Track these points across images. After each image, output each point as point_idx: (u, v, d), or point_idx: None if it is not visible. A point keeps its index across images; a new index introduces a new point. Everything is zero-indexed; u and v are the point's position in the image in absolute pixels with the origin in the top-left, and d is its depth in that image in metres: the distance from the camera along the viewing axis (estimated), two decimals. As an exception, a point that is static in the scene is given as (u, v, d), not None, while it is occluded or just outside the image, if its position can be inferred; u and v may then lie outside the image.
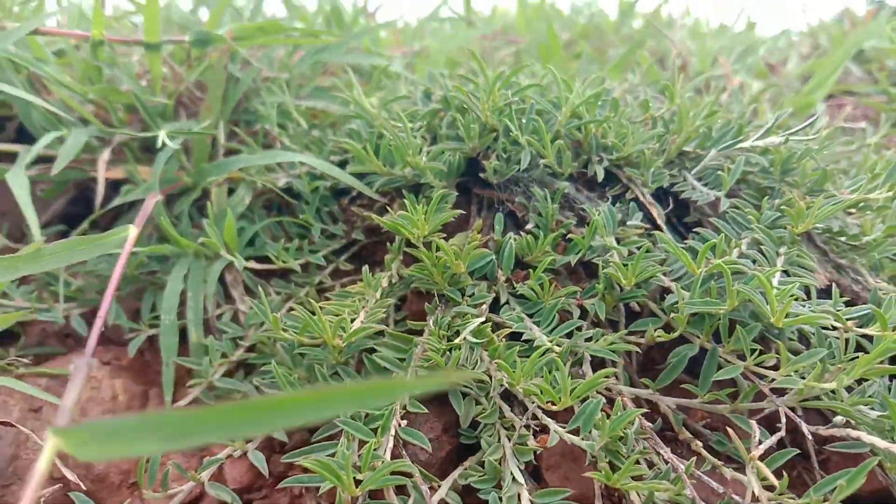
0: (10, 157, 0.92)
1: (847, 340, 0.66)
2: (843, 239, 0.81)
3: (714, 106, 0.88)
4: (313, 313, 0.66)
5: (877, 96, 1.59)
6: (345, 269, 0.90)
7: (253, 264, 0.84)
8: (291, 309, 0.85)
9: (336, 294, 0.80)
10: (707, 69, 1.31)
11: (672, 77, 0.94)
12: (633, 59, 1.41)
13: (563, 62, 1.42)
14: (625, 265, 0.70)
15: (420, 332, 0.73)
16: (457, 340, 0.68)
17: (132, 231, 0.66)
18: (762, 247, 0.73)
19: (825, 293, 0.73)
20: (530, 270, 0.75)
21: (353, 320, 0.70)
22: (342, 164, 0.92)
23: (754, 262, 0.71)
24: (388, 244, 0.83)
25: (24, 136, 1.02)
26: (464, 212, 0.82)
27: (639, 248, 0.72)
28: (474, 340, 0.68)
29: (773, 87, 1.45)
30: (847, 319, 0.65)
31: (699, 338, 0.70)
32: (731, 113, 1.17)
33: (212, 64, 0.93)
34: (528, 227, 0.80)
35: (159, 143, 0.83)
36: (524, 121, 0.82)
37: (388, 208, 0.87)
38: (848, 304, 0.71)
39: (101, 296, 0.88)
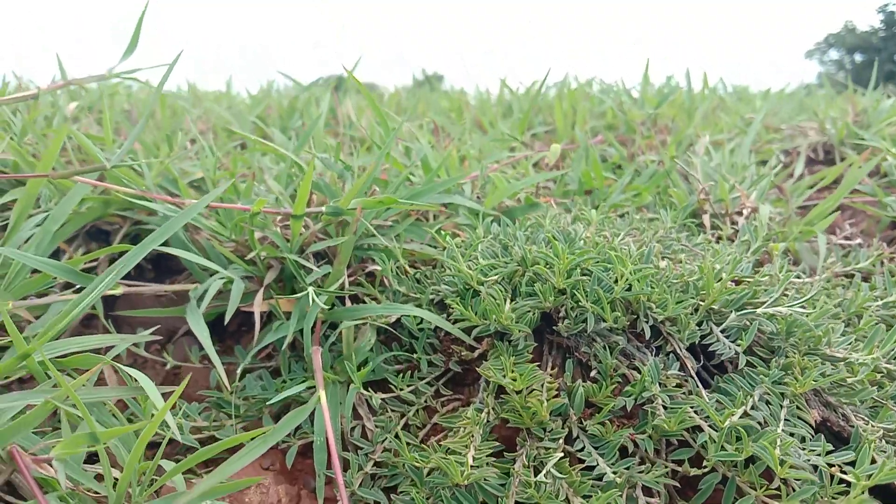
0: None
1: (832, 476, 0.91)
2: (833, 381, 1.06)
3: (734, 269, 1.14)
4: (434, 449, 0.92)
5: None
6: (445, 393, 1.16)
7: (380, 395, 1.10)
8: (407, 425, 1.11)
9: (444, 418, 1.06)
10: (726, 196, 1.56)
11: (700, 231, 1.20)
12: (664, 182, 1.67)
13: (602, 184, 1.67)
14: (669, 412, 0.96)
15: (513, 459, 0.99)
16: (543, 473, 0.94)
17: (323, 397, 0.92)
18: (770, 405, 0.99)
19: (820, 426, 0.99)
20: (595, 411, 1.01)
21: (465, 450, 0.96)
22: (442, 303, 1.18)
23: (764, 422, 0.97)
24: (477, 371, 1.09)
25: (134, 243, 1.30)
26: (539, 363, 1.08)
27: (676, 388, 0.99)
28: (558, 474, 0.94)
29: (780, 206, 1.71)
30: (831, 465, 0.91)
31: (723, 469, 0.96)
32: (746, 247, 1.43)
33: (342, 227, 1.20)
34: (592, 374, 1.06)
35: (311, 301, 1.09)
36: (588, 290, 1.08)
37: (478, 346, 1.13)
38: (837, 437, 0.97)
39: (260, 412, 1.14)
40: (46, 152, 1.10)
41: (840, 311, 1.26)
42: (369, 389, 1.11)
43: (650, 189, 1.64)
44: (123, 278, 1.37)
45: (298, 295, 1.10)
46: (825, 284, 1.34)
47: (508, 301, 1.11)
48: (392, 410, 1.13)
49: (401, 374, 1.14)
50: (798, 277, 1.37)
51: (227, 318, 1.11)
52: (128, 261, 1.04)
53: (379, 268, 1.23)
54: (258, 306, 1.16)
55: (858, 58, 42.92)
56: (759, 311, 1.09)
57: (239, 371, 1.14)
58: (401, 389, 1.12)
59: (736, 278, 1.16)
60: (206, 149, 1.44)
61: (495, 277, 1.13)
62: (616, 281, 1.09)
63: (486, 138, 2.12)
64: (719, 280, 1.12)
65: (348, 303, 1.20)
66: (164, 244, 1.10)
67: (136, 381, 0.87)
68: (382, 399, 1.11)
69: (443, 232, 1.33)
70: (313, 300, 1.08)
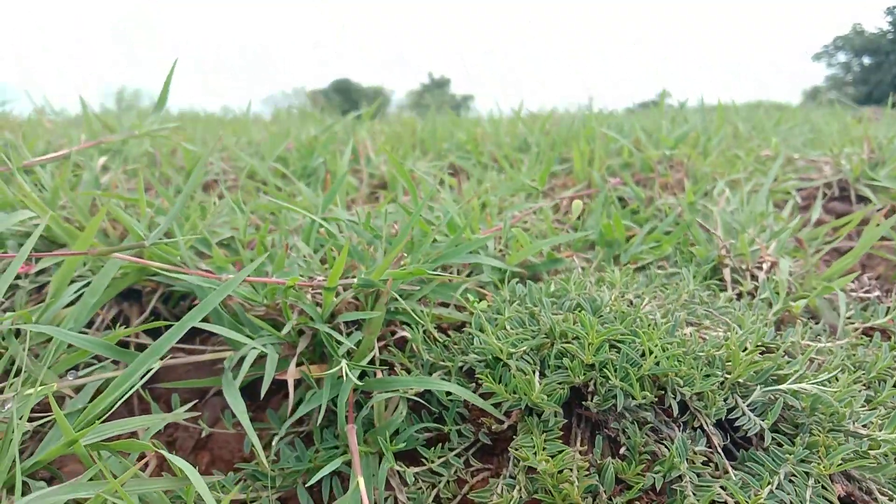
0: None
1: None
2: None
3: (758, 340, 1.16)
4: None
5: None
6: (475, 464, 1.18)
7: (412, 469, 1.12)
8: (438, 497, 1.14)
9: (475, 493, 1.09)
10: (746, 251, 1.58)
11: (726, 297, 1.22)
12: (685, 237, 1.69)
13: (622, 235, 1.69)
14: (697, 490, 0.99)
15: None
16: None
17: (361, 483, 0.95)
18: (795, 485, 1.01)
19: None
20: (625, 487, 1.03)
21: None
22: (471, 371, 1.21)
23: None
24: (507, 441, 1.12)
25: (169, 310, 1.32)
26: (567, 436, 1.10)
27: (704, 465, 1.01)
28: (591, 557, 0.96)
29: (800, 255, 1.72)
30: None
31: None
32: (767, 306, 1.45)
33: (372, 296, 1.22)
34: (622, 450, 1.08)
35: (344, 376, 1.11)
36: (617, 367, 1.10)
37: (508, 420, 1.16)
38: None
39: (294, 482, 1.17)
40: (84, 234, 1.13)
41: (861, 373, 1.28)
42: (401, 461, 1.14)
43: (671, 241, 1.66)
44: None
45: (332, 370, 1.12)
46: (846, 346, 1.36)
47: (538, 375, 1.13)
48: (423, 481, 1.16)
49: (431, 446, 1.16)
50: (819, 337, 1.39)
51: (263, 392, 1.14)
52: (167, 341, 1.06)
53: (408, 335, 1.26)
54: (292, 376, 1.19)
55: (867, 60, 42.83)
56: (783, 386, 1.11)
57: (274, 443, 1.17)
58: (432, 462, 1.14)
59: (761, 346, 1.18)
60: (236, 209, 1.47)
61: (524, 349, 1.16)
62: (643, 355, 1.11)
63: (504, 180, 2.15)
64: (745, 350, 1.15)
65: (379, 372, 1.23)
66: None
67: (181, 469, 0.90)
68: (414, 473, 1.13)
69: (469, 296, 1.35)
70: (346, 375, 1.11)
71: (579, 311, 1.22)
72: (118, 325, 1.44)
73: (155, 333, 1.48)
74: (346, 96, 52.73)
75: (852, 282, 1.69)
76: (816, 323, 1.52)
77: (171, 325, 1.06)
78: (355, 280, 1.21)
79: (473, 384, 1.20)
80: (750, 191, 2.07)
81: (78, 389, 1.16)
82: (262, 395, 1.16)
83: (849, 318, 1.53)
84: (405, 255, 1.34)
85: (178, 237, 1.28)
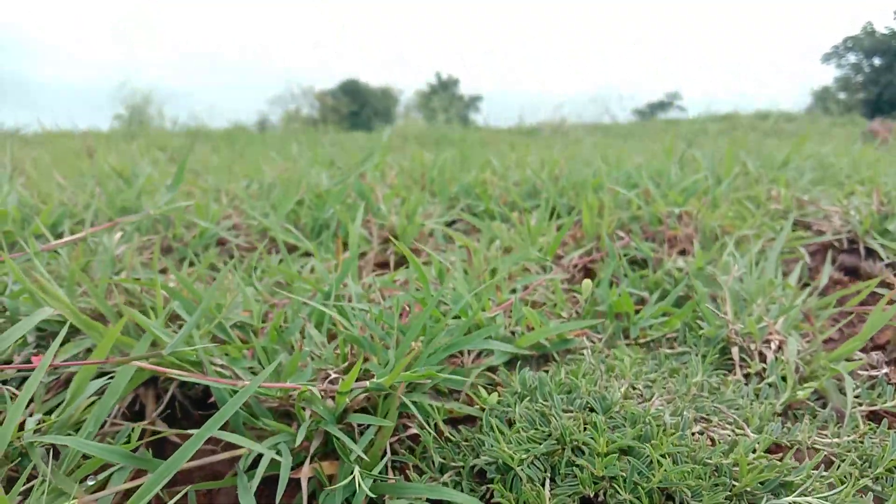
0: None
1: None
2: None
3: (765, 447, 1.17)
4: None
5: None
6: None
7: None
8: None
9: None
10: (754, 330, 1.59)
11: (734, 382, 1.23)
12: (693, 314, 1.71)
13: (631, 308, 1.71)
14: None
15: None
16: None
17: None
18: None
19: None
20: None
21: None
22: (482, 473, 1.23)
23: None
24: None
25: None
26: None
27: None
28: None
29: (808, 328, 1.73)
30: None
31: None
32: (774, 393, 1.47)
33: (384, 397, 1.24)
34: (631, 564, 1.10)
35: (357, 486, 1.13)
36: (626, 480, 1.12)
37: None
38: None
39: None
40: (103, 342, 1.15)
41: (869, 470, 1.30)
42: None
43: (680, 316, 1.67)
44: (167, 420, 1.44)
45: (343, 482, 1.14)
46: (854, 440, 1.37)
47: (548, 484, 1.15)
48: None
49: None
50: (826, 424, 1.41)
51: (278, 499, 1.16)
52: (185, 452, 1.09)
53: (418, 433, 1.28)
54: (305, 476, 1.21)
55: (877, 61, 42.62)
56: (789, 499, 1.12)
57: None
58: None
59: (768, 439, 1.20)
60: (250, 298, 1.49)
61: (534, 455, 1.17)
62: (652, 463, 1.13)
63: (513, 236, 2.16)
64: (753, 451, 1.16)
65: (391, 473, 1.25)
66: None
67: None
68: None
69: (479, 387, 1.37)
70: (359, 486, 1.13)
71: (590, 413, 1.24)
72: (135, 408, 1.47)
73: (170, 419, 1.51)
74: (354, 97, 52.83)
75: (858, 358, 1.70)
76: (824, 406, 1.53)
77: (187, 433, 1.08)
78: (368, 384, 1.23)
79: (485, 487, 1.22)
80: (759, 251, 2.08)
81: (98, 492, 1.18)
82: (278, 501, 1.18)
83: (856, 396, 1.54)
84: (417, 344, 1.36)
85: (197, 344, 1.30)
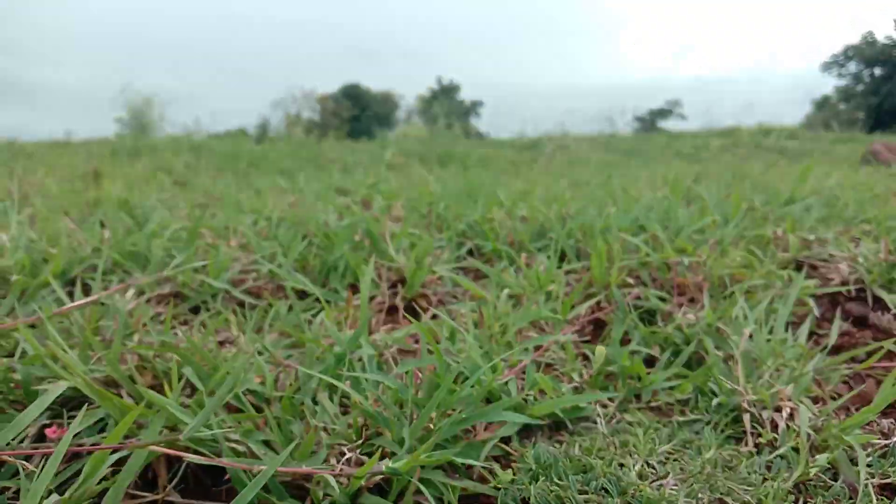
0: None
1: None
2: None
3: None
4: None
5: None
6: None
7: None
8: None
9: None
10: (766, 397, 1.59)
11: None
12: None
13: (643, 371, 1.71)
14: None
15: None
16: None
17: None
18: None
19: None
20: None
21: None
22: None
23: None
24: None
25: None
26: None
27: None
28: None
29: (819, 392, 1.73)
30: None
31: None
32: (786, 465, 1.47)
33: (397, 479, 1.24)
34: None
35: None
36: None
37: None
38: None
39: None
40: (118, 427, 1.15)
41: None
42: None
43: (692, 380, 1.68)
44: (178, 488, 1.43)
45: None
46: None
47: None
48: None
49: None
50: (838, 501, 1.41)
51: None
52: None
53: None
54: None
55: (878, 71, 42.73)
56: None
57: None
58: None
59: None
60: (263, 365, 1.50)
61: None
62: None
63: (523, 282, 2.17)
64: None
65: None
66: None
67: None
68: None
69: (493, 464, 1.37)
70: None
71: (605, 495, 1.24)
72: (147, 476, 1.47)
73: (183, 488, 1.50)
74: (355, 101, 52.94)
75: (870, 424, 1.70)
76: (835, 477, 1.53)
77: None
78: (384, 467, 1.23)
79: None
80: (768, 307, 2.08)
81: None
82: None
83: (868, 465, 1.54)
84: (431, 422, 1.37)
85: (214, 429, 1.30)
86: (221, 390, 1.23)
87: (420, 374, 1.56)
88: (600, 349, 1.60)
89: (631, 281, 2.32)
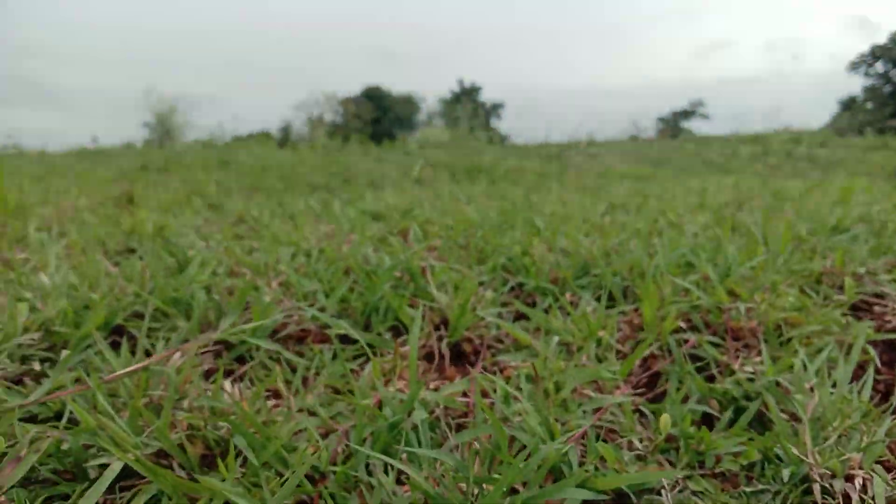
0: None
1: None
2: None
3: None
4: None
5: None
6: None
7: None
8: None
9: None
10: (837, 468, 1.52)
11: None
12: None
13: (708, 437, 1.64)
14: None
15: None
16: None
17: None
18: None
19: None
20: None
21: None
22: None
23: None
24: None
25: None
26: None
27: None
28: None
29: (890, 461, 1.66)
30: None
31: None
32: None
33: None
34: None
35: None
36: None
37: None
38: None
39: None
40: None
41: None
42: None
43: (757, 446, 1.61)
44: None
45: None
46: None
47: None
48: None
49: None
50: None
51: None
52: None
53: None
54: None
55: (903, 72, 42.14)
56: None
57: None
58: None
59: None
60: (314, 432, 1.46)
61: None
62: None
63: (573, 339, 2.11)
64: None
65: None
66: None
67: None
68: None
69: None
70: None
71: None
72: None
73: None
74: (377, 103, 53.11)
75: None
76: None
77: None
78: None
79: None
80: (828, 356, 2.01)
81: None
82: None
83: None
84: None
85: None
86: (284, 490, 1.18)
87: (477, 444, 1.51)
88: (665, 419, 1.54)
89: (682, 325, 2.26)
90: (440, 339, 2.29)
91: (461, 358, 2.27)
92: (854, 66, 45.93)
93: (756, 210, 3.77)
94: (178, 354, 1.64)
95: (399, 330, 2.34)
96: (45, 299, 2.09)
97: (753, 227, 3.09)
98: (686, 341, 2.15)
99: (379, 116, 51.59)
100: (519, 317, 2.45)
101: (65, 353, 1.64)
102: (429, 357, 2.22)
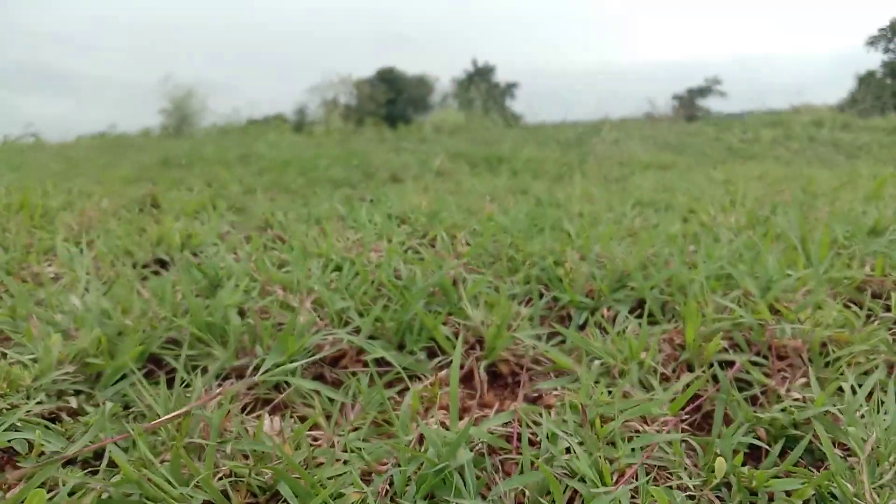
0: None
1: None
2: None
3: None
4: None
5: None
6: None
7: None
8: None
9: None
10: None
11: None
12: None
13: (762, 477, 1.60)
14: None
15: None
16: None
17: None
18: None
19: None
20: None
21: None
22: None
23: None
24: None
25: None
26: None
27: None
28: None
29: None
30: None
31: None
32: None
33: None
34: None
35: None
36: None
37: None
38: None
39: None
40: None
41: None
42: None
43: (812, 484, 1.57)
44: None
45: None
46: None
47: None
48: None
49: None
50: None
51: None
52: None
53: None
54: None
55: (926, 47, 41.42)
56: None
57: None
58: None
59: None
60: (358, 482, 1.43)
61: None
62: None
63: (614, 360, 2.07)
64: None
65: None
66: None
67: None
68: None
69: None
70: None
71: None
72: None
73: None
74: (391, 85, 52.82)
75: None
76: None
77: None
78: None
79: None
80: (878, 380, 1.95)
81: None
82: None
83: None
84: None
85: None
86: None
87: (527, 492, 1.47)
88: (721, 463, 1.50)
89: (724, 344, 2.21)
90: (476, 359, 2.25)
91: (497, 378, 2.23)
92: (872, 41, 45.14)
93: (789, 210, 3.69)
94: (218, 398, 1.61)
95: (434, 350, 2.30)
96: (78, 325, 2.07)
97: (790, 232, 3.02)
98: (730, 363, 2.10)
99: (393, 98, 51.32)
100: (555, 332, 2.41)
101: (101, 394, 1.62)
102: (465, 378, 2.18)
